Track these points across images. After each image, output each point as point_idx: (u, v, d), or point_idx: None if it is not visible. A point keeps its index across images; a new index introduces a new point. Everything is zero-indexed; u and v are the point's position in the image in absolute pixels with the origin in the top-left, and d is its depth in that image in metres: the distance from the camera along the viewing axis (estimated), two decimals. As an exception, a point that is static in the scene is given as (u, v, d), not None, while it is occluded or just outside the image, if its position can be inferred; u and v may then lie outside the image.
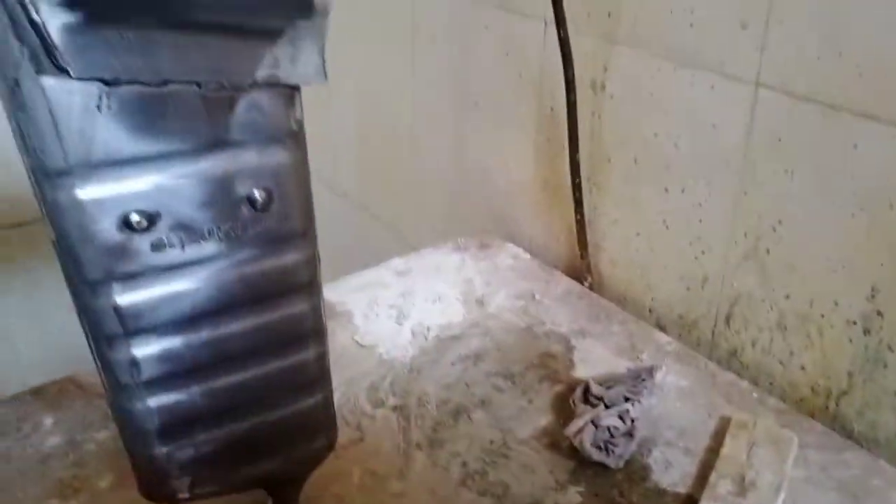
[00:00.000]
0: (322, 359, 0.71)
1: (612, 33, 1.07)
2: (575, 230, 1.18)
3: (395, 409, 0.94)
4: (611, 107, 1.10)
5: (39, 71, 0.49)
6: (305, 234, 0.64)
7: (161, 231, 0.57)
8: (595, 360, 1.03)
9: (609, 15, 1.06)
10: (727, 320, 1.04)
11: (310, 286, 0.66)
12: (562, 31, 1.07)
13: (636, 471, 0.86)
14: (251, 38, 0.55)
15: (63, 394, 0.93)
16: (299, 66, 0.57)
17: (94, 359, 0.62)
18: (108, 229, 0.55)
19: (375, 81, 1.60)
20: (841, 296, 0.90)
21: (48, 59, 0.49)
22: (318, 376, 0.71)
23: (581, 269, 1.20)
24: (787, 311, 0.96)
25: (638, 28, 1.03)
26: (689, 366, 1.02)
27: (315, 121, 1.69)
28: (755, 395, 0.97)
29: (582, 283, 1.19)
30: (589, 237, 1.18)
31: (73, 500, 0.80)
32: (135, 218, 0.55)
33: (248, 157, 0.58)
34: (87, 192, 0.53)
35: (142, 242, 0.56)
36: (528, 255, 1.26)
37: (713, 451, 0.88)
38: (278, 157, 0.59)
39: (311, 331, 0.68)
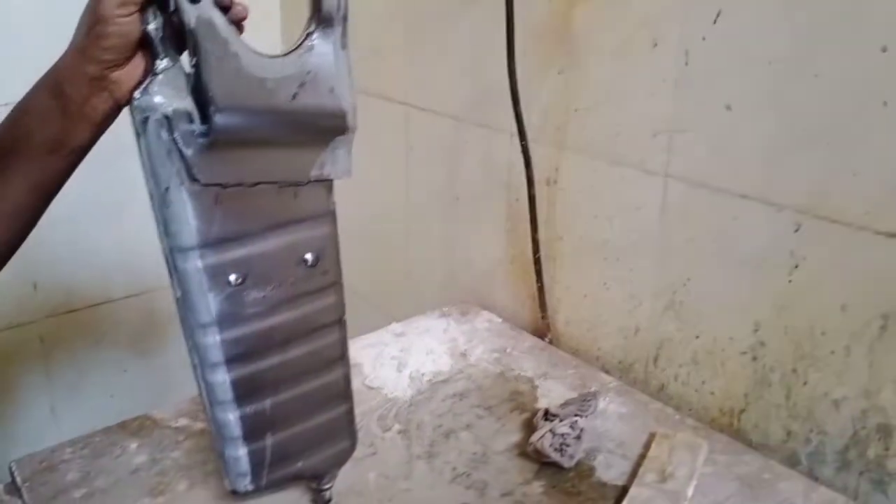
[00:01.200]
0: (346, 377, 0.97)
1: (562, 142, 1.37)
2: (537, 297, 1.46)
3: (399, 432, 1.19)
4: (562, 197, 1.39)
5: (182, 181, 0.78)
6: (338, 283, 0.93)
7: (250, 285, 0.84)
8: (554, 395, 1.29)
9: (558, 128, 1.36)
10: (655, 361, 1.30)
11: (339, 321, 0.94)
12: (523, 141, 1.37)
13: (585, 470, 1.12)
14: (310, 149, 0.85)
15: (142, 426, 1.18)
16: (337, 166, 0.88)
17: (199, 382, 0.87)
18: (217, 286, 0.82)
19: (375, 189, 1.89)
20: (734, 332, 1.18)
21: (187, 173, 0.78)
22: (344, 390, 0.97)
23: (542, 328, 1.47)
24: (699, 348, 1.24)
25: (580, 137, 1.33)
26: (627, 397, 1.28)
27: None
28: (677, 416, 1.23)
29: (543, 339, 1.46)
30: (548, 302, 1.46)
31: (161, 497, 1.05)
32: (233, 277, 0.83)
33: (305, 230, 0.88)
34: (206, 261, 0.81)
35: (237, 294, 0.83)
36: (500, 319, 1.54)
37: (644, 456, 1.13)
38: (323, 229, 0.90)
39: (340, 355, 0.96)
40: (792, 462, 1.14)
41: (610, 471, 1.12)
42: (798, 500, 1.05)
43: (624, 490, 1.07)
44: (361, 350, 1.42)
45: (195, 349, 0.84)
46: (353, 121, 0.87)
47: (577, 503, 1.06)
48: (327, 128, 0.86)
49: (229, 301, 0.82)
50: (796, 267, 1.08)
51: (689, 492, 1.06)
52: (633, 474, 1.10)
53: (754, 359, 1.16)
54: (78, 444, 1.14)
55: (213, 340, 0.83)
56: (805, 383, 1.11)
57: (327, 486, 1.01)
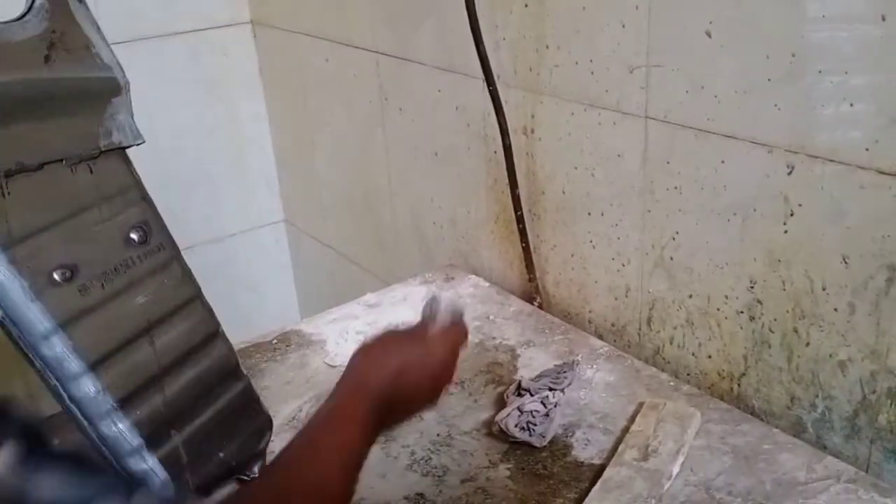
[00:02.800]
0: (230, 353, 0.92)
1: (535, 84, 1.26)
2: (522, 257, 1.37)
3: (358, 413, 1.12)
4: (540, 148, 1.30)
5: None
6: (178, 257, 0.87)
7: (83, 278, 0.78)
8: (535, 365, 1.20)
9: (531, 69, 1.26)
10: (648, 322, 1.21)
11: (198, 296, 0.89)
12: (491, 86, 1.27)
13: (559, 448, 1.03)
14: (88, 117, 0.80)
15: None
16: (123, 132, 0.83)
17: (64, 403, 0.80)
18: (43, 288, 0.75)
19: (353, 148, 1.81)
20: (729, 290, 1.08)
21: None
22: (233, 368, 0.93)
23: (531, 291, 1.38)
24: (692, 308, 1.14)
25: (553, 78, 1.23)
26: (617, 364, 1.19)
27: (303, 182, 1.91)
28: (672, 383, 1.14)
29: (532, 304, 1.37)
30: (535, 262, 1.37)
31: None
32: (58, 274, 0.76)
33: (117, 208, 0.82)
34: (18, 263, 0.74)
35: (70, 291, 0.77)
36: (487, 284, 1.45)
37: (628, 430, 1.05)
38: (137, 203, 0.85)
39: (214, 331, 0.91)
40: (797, 430, 1.05)
41: (588, 448, 1.03)
42: (800, 473, 0.96)
43: (602, 470, 0.99)
44: (326, 325, 1.34)
45: (46, 366, 0.78)
46: (123, 77, 0.82)
47: (546, 487, 0.98)
48: (97, 90, 0.81)
49: (64, 301, 0.77)
50: (791, 214, 0.98)
51: (674, 469, 0.97)
52: (614, 451, 1.01)
53: (752, 318, 1.07)
54: None
55: (62, 350, 0.76)
56: (807, 344, 1.01)
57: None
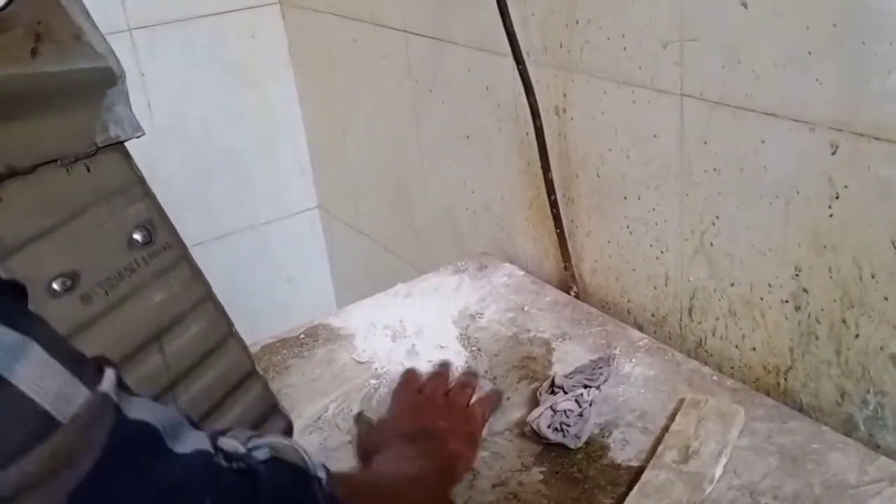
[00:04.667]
0: (245, 352, 0.89)
1: (566, 62, 1.23)
2: (557, 244, 1.34)
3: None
4: (572, 128, 1.27)
5: None
6: (186, 256, 0.84)
7: (84, 286, 0.75)
8: (571, 359, 1.18)
9: (561, 46, 1.23)
10: (690, 313, 1.18)
11: (209, 296, 0.86)
12: (520, 65, 1.24)
13: (595, 450, 1.01)
14: (82, 112, 0.77)
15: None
16: (121, 124, 0.79)
17: None
18: (42, 300, 0.73)
19: (384, 131, 1.79)
20: (773, 278, 1.04)
21: None
22: (249, 368, 0.89)
23: (567, 280, 1.36)
24: (735, 297, 1.10)
25: (585, 56, 1.20)
26: (657, 357, 1.16)
27: (336, 167, 1.91)
28: (715, 377, 1.11)
29: (569, 293, 1.35)
30: (570, 249, 1.34)
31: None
32: (58, 284, 0.74)
33: (118, 208, 0.79)
34: (13, 273, 0.71)
35: (70, 301, 0.75)
36: (522, 272, 1.42)
37: (667, 430, 1.02)
38: (140, 201, 0.81)
39: (227, 331, 0.87)
40: (848, 428, 1.01)
41: (626, 449, 1.01)
42: (850, 475, 0.93)
43: (641, 472, 0.96)
44: (354, 318, 1.33)
45: None
46: (118, 66, 0.78)
47: (581, 492, 0.95)
48: (91, 82, 0.77)
49: (66, 312, 0.74)
50: (836, 197, 0.94)
51: (717, 472, 0.94)
52: (653, 453, 0.99)
53: (797, 308, 1.03)
54: None
55: None
56: (857, 336, 0.97)
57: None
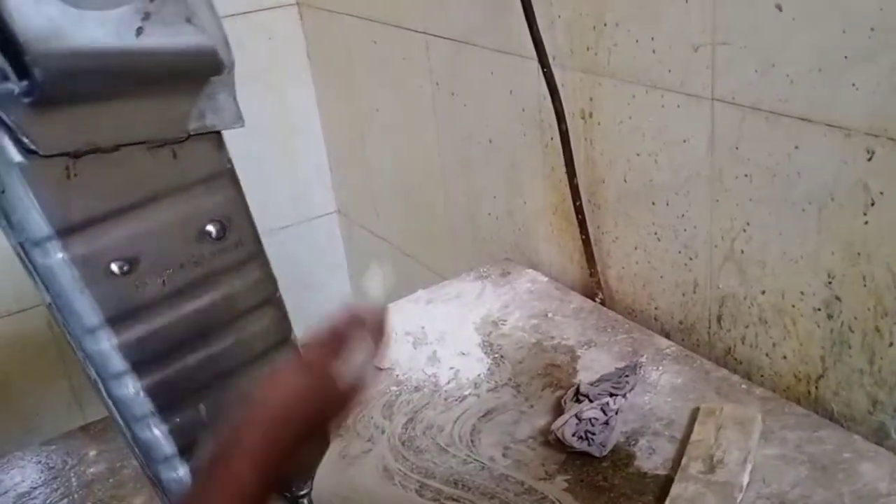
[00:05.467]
0: None
1: (593, 65, 1.23)
2: (583, 251, 1.34)
3: (406, 423, 1.10)
4: (599, 133, 1.26)
5: (12, 158, 0.67)
6: (259, 255, 0.81)
7: (142, 272, 0.73)
8: (596, 367, 1.17)
9: (588, 49, 1.23)
10: (719, 320, 1.17)
11: (271, 300, 0.83)
12: (545, 68, 1.24)
13: (621, 458, 1.01)
14: (180, 97, 0.74)
15: (106, 429, 1.12)
16: (220, 114, 0.77)
17: (104, 399, 0.76)
18: (96, 279, 0.71)
19: (404, 135, 1.79)
20: (805, 286, 1.04)
21: (17, 146, 0.66)
22: None
23: (592, 286, 1.35)
24: (765, 305, 1.10)
25: (613, 59, 1.20)
26: (685, 365, 1.15)
27: (355, 171, 1.91)
28: (744, 385, 1.10)
29: (594, 300, 1.34)
30: (596, 255, 1.34)
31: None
32: (116, 266, 0.72)
33: (198, 198, 0.76)
34: (73, 251, 0.70)
35: (126, 285, 0.73)
36: (545, 278, 1.42)
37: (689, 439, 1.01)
38: (222, 193, 0.78)
39: (282, 339, 0.85)
40: (880, 437, 1.01)
41: (653, 458, 1.00)
42: (882, 484, 0.92)
43: (667, 482, 0.96)
44: (375, 324, 1.33)
45: (89, 360, 0.74)
46: (227, 55, 0.75)
47: (607, 501, 0.95)
48: (195, 69, 0.74)
49: (117, 295, 0.72)
50: (872, 204, 0.94)
51: (744, 480, 0.94)
52: (681, 461, 0.98)
53: (829, 316, 1.02)
54: (32, 452, 1.11)
55: (107, 346, 0.72)
56: (891, 344, 0.97)
57: (304, 493, 0.91)
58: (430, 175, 1.75)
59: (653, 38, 1.13)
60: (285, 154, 2.13)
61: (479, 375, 1.19)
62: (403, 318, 1.34)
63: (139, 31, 0.69)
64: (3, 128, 0.66)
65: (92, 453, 1.10)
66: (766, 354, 1.12)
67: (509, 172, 1.50)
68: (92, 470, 1.07)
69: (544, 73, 1.24)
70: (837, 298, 1.01)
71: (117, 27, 0.68)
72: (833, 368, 1.04)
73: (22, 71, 0.65)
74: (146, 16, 0.69)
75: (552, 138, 1.35)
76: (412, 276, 1.89)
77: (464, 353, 1.24)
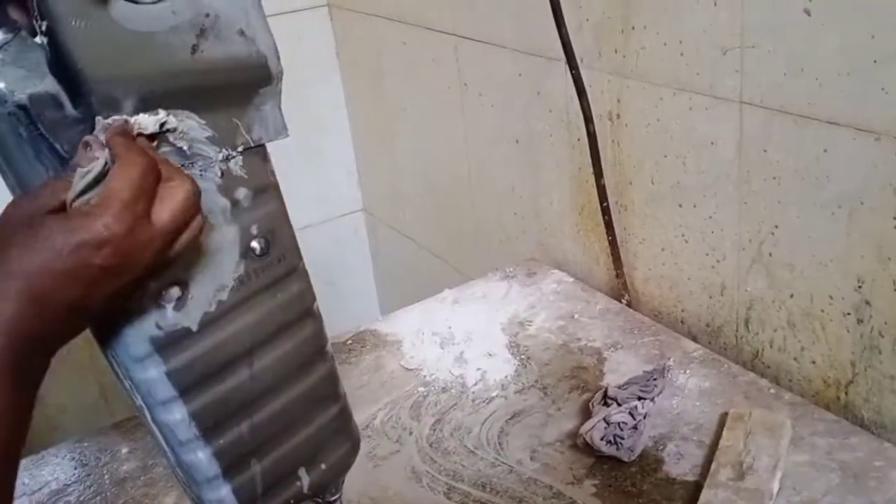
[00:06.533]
0: (332, 374, 0.84)
1: (621, 68, 1.23)
2: (609, 252, 1.34)
3: (433, 424, 1.11)
4: (626, 134, 1.26)
5: None
6: (299, 268, 0.79)
7: (191, 296, 0.70)
8: (623, 370, 1.17)
9: (616, 51, 1.22)
10: (746, 324, 1.17)
11: (310, 312, 0.81)
12: (573, 70, 1.24)
13: (649, 463, 1.00)
14: (229, 111, 0.71)
15: (138, 427, 1.13)
16: (267, 126, 0.74)
17: (148, 423, 0.74)
18: (147, 307, 0.68)
19: (432, 135, 1.79)
20: (834, 289, 1.03)
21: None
22: (332, 390, 0.85)
23: (618, 287, 1.35)
24: (794, 309, 1.09)
25: (641, 61, 1.19)
26: (712, 369, 1.15)
27: (382, 170, 1.92)
28: (773, 390, 1.10)
29: (620, 301, 1.34)
30: (622, 257, 1.33)
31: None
32: (172, 291, 0.69)
33: (243, 212, 0.73)
34: None
35: (175, 311, 0.69)
36: (571, 279, 1.42)
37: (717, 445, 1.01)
38: (267, 207, 0.75)
39: (320, 350, 0.83)
40: (912, 445, 0.99)
41: (681, 463, 1.00)
42: (916, 493, 0.91)
43: (696, 488, 0.96)
44: (402, 324, 1.33)
45: (135, 388, 0.72)
46: (277, 65, 0.73)
47: (636, 506, 0.95)
48: (245, 82, 0.72)
49: (162, 321, 0.69)
50: (902, 207, 0.93)
51: (775, 486, 0.93)
52: (709, 466, 0.98)
53: (859, 321, 1.01)
54: (65, 448, 1.12)
55: (155, 374, 0.70)
56: (922, 350, 0.96)
57: (335, 498, 0.92)
58: (457, 175, 1.75)
59: (681, 41, 1.12)
60: (313, 152, 2.13)
61: (506, 377, 1.19)
62: (430, 317, 1.34)
63: (194, 48, 0.68)
64: (55, 157, 0.64)
65: (124, 450, 1.11)
66: (795, 359, 1.11)
67: (536, 173, 1.50)
68: (124, 468, 1.08)
69: (572, 75, 1.24)
70: (867, 303, 1.00)
71: (172, 47, 0.67)
72: (863, 374, 1.03)
73: (76, 98, 0.64)
74: (201, 32, 0.68)
75: (579, 139, 1.34)
76: (438, 275, 1.89)
77: (490, 354, 1.23)
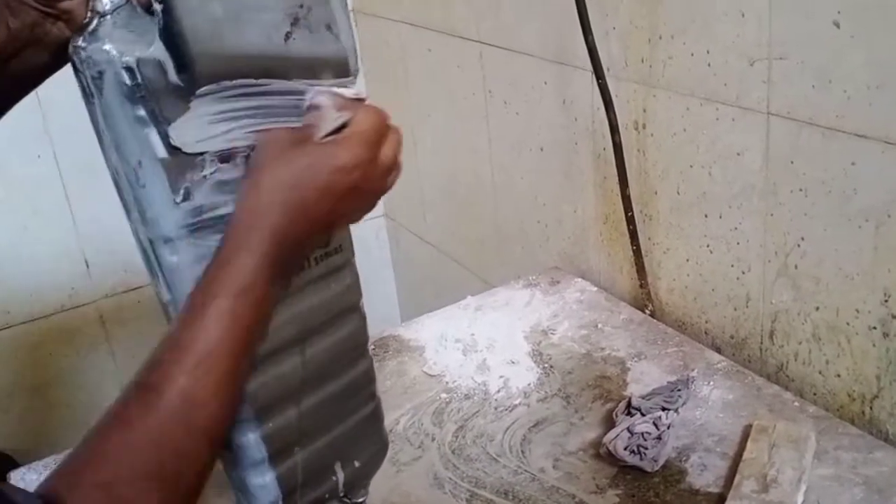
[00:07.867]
0: (371, 371, 0.87)
1: (647, 77, 1.23)
2: (633, 261, 1.34)
3: (456, 430, 1.11)
4: (652, 144, 1.26)
5: (157, 153, 0.67)
6: (352, 261, 0.83)
7: None
8: (647, 380, 1.17)
9: (642, 61, 1.23)
10: (771, 336, 1.17)
11: (358, 306, 0.84)
12: (600, 79, 1.24)
13: (672, 474, 1.01)
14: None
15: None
16: None
17: None
18: None
19: (456, 142, 1.80)
20: (860, 303, 1.03)
21: (164, 141, 0.67)
22: (370, 387, 0.88)
23: (642, 297, 1.35)
24: (819, 322, 1.09)
25: (667, 71, 1.20)
26: (736, 381, 1.15)
27: (405, 176, 1.92)
28: (797, 403, 1.10)
29: (644, 311, 1.34)
30: (647, 267, 1.34)
31: None
32: None
33: None
34: (200, 250, 0.70)
35: None
36: (594, 288, 1.42)
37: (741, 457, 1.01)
38: None
39: (363, 345, 0.86)
40: (937, 461, 0.99)
41: (704, 475, 1.00)
42: (940, 510, 0.91)
43: (720, 500, 0.96)
44: (425, 330, 1.34)
45: None
46: (355, 64, 0.77)
47: (658, 517, 0.95)
48: (328, 77, 0.75)
49: None
50: (930, 221, 0.93)
51: (798, 499, 0.93)
52: (732, 478, 0.98)
53: (885, 335, 1.01)
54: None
55: None
56: (948, 365, 0.96)
57: (362, 500, 0.92)
58: (481, 182, 1.76)
59: (708, 52, 1.12)
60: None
61: (528, 385, 1.19)
62: (453, 324, 1.35)
63: (288, 35, 0.71)
64: (153, 121, 0.67)
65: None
66: (820, 372, 1.11)
67: (560, 181, 1.50)
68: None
69: (599, 84, 1.24)
70: (893, 317, 1.00)
71: (269, 31, 0.70)
72: (889, 388, 1.03)
73: (182, 66, 0.66)
74: (295, 21, 0.71)
75: (605, 148, 1.35)
76: (459, 281, 1.90)
77: (513, 362, 1.24)
